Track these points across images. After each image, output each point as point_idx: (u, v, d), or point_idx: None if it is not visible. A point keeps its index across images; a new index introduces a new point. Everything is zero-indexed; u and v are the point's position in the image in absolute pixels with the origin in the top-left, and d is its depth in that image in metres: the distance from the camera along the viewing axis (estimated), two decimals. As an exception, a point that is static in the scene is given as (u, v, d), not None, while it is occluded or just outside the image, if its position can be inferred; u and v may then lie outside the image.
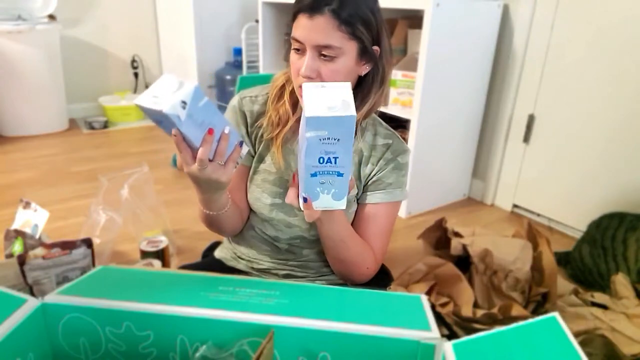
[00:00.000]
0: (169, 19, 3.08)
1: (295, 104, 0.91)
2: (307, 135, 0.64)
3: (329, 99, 0.65)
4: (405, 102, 1.84)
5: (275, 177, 0.93)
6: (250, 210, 0.98)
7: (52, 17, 2.78)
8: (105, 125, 2.97)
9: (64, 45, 2.86)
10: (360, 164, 0.93)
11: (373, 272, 0.94)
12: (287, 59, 0.89)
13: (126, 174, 1.49)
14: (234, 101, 0.96)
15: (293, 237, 0.96)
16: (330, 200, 0.71)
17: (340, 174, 0.68)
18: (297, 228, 0.94)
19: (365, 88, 0.88)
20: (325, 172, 0.68)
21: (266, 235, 0.98)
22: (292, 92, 0.91)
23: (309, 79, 0.81)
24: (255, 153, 0.95)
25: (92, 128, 2.93)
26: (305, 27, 0.78)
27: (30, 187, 2.05)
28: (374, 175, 0.93)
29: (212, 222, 0.91)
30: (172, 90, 0.65)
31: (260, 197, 0.93)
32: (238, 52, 2.77)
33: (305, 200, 0.71)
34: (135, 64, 3.27)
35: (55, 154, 2.52)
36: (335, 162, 0.67)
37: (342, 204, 0.72)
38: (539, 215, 1.94)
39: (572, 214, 1.81)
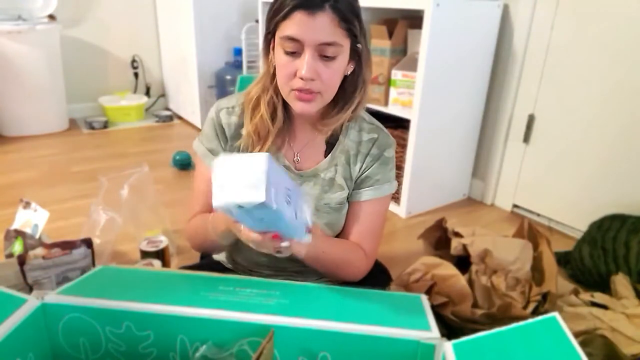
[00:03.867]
0: (169, 19, 3.08)
1: (274, 114, 0.87)
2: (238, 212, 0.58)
3: (242, 176, 0.56)
4: (405, 102, 1.84)
5: None
6: None
7: (52, 17, 2.78)
8: (105, 125, 2.97)
9: (64, 45, 2.85)
10: (348, 164, 0.92)
11: (364, 271, 0.93)
12: (265, 63, 0.84)
13: (126, 174, 1.48)
14: (212, 113, 0.92)
15: None
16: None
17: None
18: None
19: (349, 88, 0.85)
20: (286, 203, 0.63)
21: None
22: (270, 102, 0.86)
23: (310, 81, 0.77)
24: None
25: (92, 128, 2.93)
26: (306, 25, 0.73)
27: (30, 187, 2.05)
28: (363, 172, 0.92)
29: (210, 247, 0.96)
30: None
31: None
32: (238, 52, 2.77)
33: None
34: (135, 64, 3.27)
35: (55, 154, 2.52)
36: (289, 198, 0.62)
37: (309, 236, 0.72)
38: (539, 215, 1.94)
39: (572, 214, 1.81)
